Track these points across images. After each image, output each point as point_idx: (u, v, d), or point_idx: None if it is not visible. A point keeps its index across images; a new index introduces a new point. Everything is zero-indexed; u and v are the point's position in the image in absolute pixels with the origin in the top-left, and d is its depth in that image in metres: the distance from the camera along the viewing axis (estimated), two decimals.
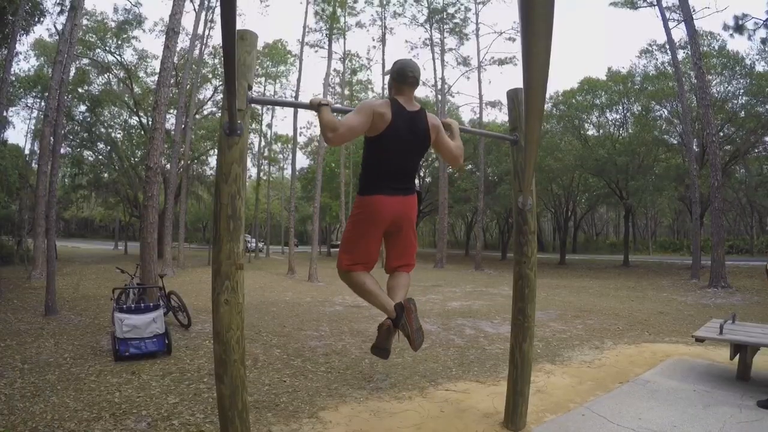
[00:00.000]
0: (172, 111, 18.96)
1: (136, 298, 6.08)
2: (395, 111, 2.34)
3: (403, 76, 2.40)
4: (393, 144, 2.36)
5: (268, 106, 27.72)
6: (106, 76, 21.90)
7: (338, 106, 2.65)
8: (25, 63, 27.44)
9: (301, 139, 30.60)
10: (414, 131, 2.42)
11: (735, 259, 19.49)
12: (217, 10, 8.06)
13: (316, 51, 25.69)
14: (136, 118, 22.63)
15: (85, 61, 20.57)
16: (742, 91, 16.73)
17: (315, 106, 2.36)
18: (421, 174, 29.29)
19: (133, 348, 4.48)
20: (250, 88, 2.27)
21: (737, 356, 3.92)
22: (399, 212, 2.42)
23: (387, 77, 2.54)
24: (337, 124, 2.26)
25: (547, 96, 6.07)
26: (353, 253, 2.44)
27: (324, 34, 19.29)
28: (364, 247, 2.44)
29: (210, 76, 22.73)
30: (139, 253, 7.60)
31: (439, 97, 23.29)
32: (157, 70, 10.89)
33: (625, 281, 14.82)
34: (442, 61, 22.98)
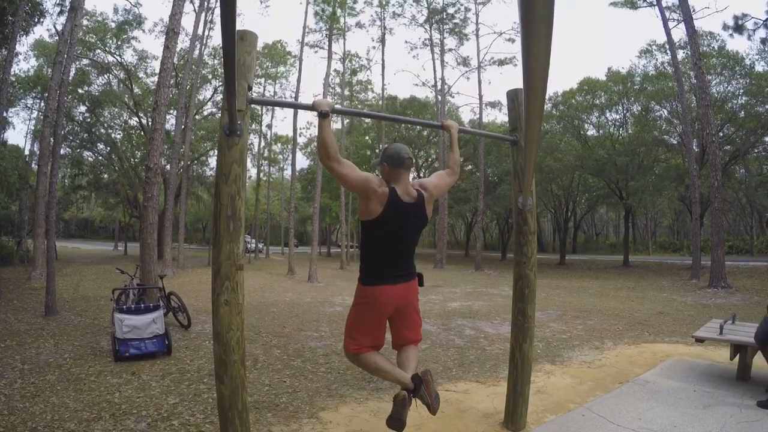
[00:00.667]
0: (172, 111, 18.98)
1: (135, 298, 6.08)
2: (390, 203, 2.32)
3: (400, 159, 2.39)
4: (388, 233, 2.37)
5: (268, 107, 27.76)
6: (106, 76, 21.91)
7: (338, 107, 2.64)
8: (25, 63, 27.48)
9: (301, 140, 30.59)
10: (408, 222, 2.41)
11: (735, 259, 19.50)
12: (217, 11, 8.05)
13: (316, 51, 25.79)
14: (136, 119, 22.65)
15: (85, 61, 20.58)
16: (741, 91, 16.73)
17: (317, 111, 2.25)
18: (421, 175, 29.28)
19: (133, 348, 4.48)
20: (249, 88, 2.27)
21: (737, 356, 3.92)
22: (402, 300, 2.44)
23: (376, 156, 2.51)
24: (337, 156, 2.24)
25: (547, 96, 6.07)
26: (359, 339, 2.43)
27: (324, 35, 19.33)
28: (370, 334, 2.43)
29: (210, 76, 22.74)
30: (139, 253, 7.60)
31: (439, 97, 23.30)
32: (157, 71, 10.90)
33: (625, 281, 14.82)
34: (442, 61, 23.01)
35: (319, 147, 2.25)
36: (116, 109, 22.80)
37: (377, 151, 27.41)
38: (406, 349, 2.59)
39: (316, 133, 2.38)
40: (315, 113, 2.28)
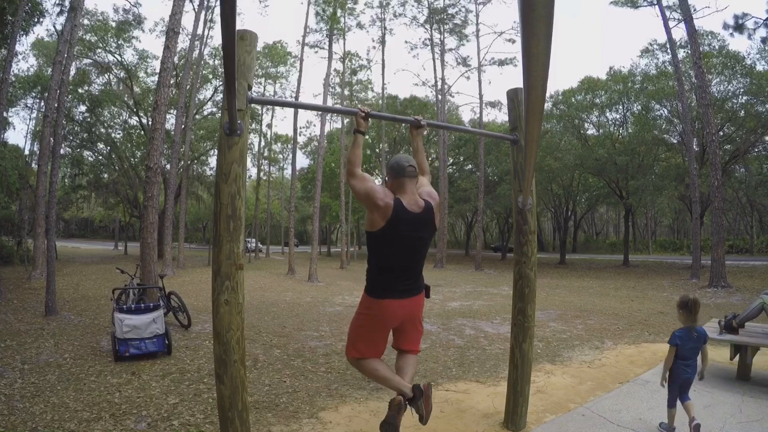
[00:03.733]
0: (172, 111, 18.97)
1: (136, 298, 6.08)
2: (395, 215, 2.25)
3: (400, 168, 2.35)
4: (395, 245, 2.31)
5: (267, 106, 27.75)
6: (106, 76, 21.91)
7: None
8: (24, 63, 27.46)
9: (301, 139, 30.63)
10: (416, 232, 2.34)
11: (735, 258, 19.51)
12: (217, 10, 8.04)
13: (316, 51, 25.90)
14: (136, 119, 22.66)
15: (86, 61, 20.58)
16: (742, 90, 16.72)
17: (356, 124, 2.47)
18: None
19: (133, 348, 4.47)
20: (249, 88, 2.27)
21: (737, 356, 3.92)
22: (408, 314, 2.42)
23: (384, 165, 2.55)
24: (353, 170, 2.34)
25: (547, 95, 6.07)
26: (360, 347, 2.44)
27: (324, 35, 19.34)
28: (372, 343, 2.44)
29: (210, 76, 22.76)
30: (139, 253, 7.60)
31: (439, 97, 23.31)
32: (157, 71, 10.89)
33: (625, 281, 14.81)
34: (442, 61, 23.03)
35: (349, 159, 2.40)
36: (116, 109, 22.81)
37: (377, 150, 27.41)
38: (405, 356, 2.59)
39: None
40: (354, 130, 2.50)
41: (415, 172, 2.38)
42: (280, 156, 34.24)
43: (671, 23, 14.71)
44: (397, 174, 2.37)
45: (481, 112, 23.20)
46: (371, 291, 2.39)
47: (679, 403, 2.84)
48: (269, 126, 30.02)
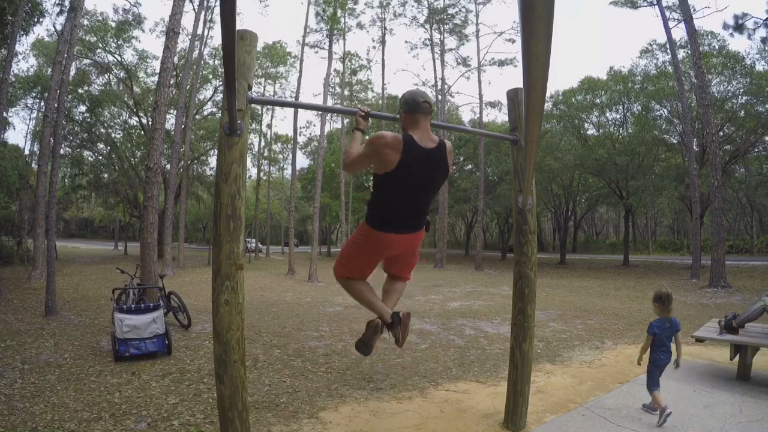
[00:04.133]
0: (172, 111, 18.97)
1: (136, 298, 6.08)
2: (406, 150, 2.15)
3: (415, 103, 2.25)
4: (404, 185, 2.22)
5: (267, 107, 27.75)
6: (106, 76, 21.91)
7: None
8: (24, 63, 27.47)
9: (301, 139, 30.61)
10: (429, 170, 2.25)
11: (735, 258, 19.50)
12: (217, 10, 8.04)
13: (316, 51, 25.84)
14: (136, 119, 22.66)
15: (86, 61, 20.59)
16: (742, 90, 16.71)
17: (356, 123, 2.41)
18: None
19: (133, 348, 4.47)
20: (249, 88, 2.27)
21: (737, 356, 3.92)
22: (405, 246, 2.42)
23: (386, 101, 2.52)
24: (351, 155, 2.28)
25: (547, 95, 6.07)
26: (350, 268, 2.46)
27: (324, 35, 19.34)
28: (363, 267, 2.47)
29: (210, 76, 22.75)
30: (139, 253, 7.60)
31: (439, 97, 23.29)
32: (157, 71, 10.90)
33: (625, 281, 14.81)
34: (442, 61, 23.01)
35: (345, 152, 2.38)
36: (116, 109, 22.81)
37: None
38: (395, 282, 2.63)
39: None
40: (354, 127, 2.44)
41: (430, 108, 2.28)
42: (280, 156, 34.25)
43: (671, 23, 14.73)
44: (411, 109, 2.26)
45: (481, 112, 23.21)
46: (373, 223, 2.31)
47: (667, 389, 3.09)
48: (269, 126, 30.04)
